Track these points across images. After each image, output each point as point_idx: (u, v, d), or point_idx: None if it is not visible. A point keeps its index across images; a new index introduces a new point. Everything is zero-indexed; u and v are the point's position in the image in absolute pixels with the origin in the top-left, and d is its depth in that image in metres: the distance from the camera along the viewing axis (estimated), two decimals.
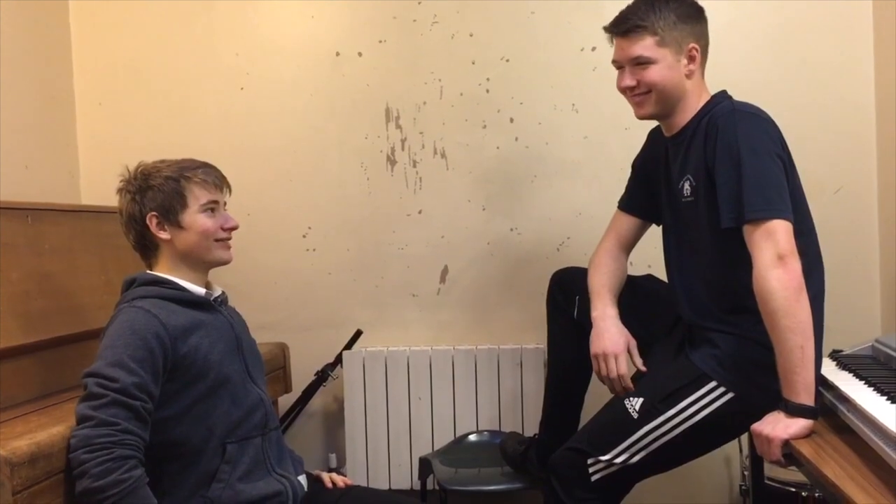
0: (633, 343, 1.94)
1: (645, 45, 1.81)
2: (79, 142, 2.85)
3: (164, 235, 1.71)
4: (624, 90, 1.88)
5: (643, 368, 1.90)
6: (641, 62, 1.82)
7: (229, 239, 1.78)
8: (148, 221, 1.70)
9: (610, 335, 1.92)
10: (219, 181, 1.77)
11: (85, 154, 2.85)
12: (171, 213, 1.70)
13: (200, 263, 1.76)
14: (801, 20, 2.62)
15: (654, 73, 1.82)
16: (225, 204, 1.80)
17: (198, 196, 1.72)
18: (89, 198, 2.80)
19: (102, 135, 2.84)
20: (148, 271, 1.75)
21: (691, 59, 1.84)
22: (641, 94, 1.85)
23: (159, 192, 1.70)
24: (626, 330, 1.95)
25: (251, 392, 1.74)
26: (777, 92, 2.51)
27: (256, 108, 2.81)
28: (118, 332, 1.60)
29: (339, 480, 1.87)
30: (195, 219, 1.71)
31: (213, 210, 1.74)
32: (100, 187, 2.72)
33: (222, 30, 2.81)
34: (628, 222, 2.11)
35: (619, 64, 1.88)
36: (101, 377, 1.52)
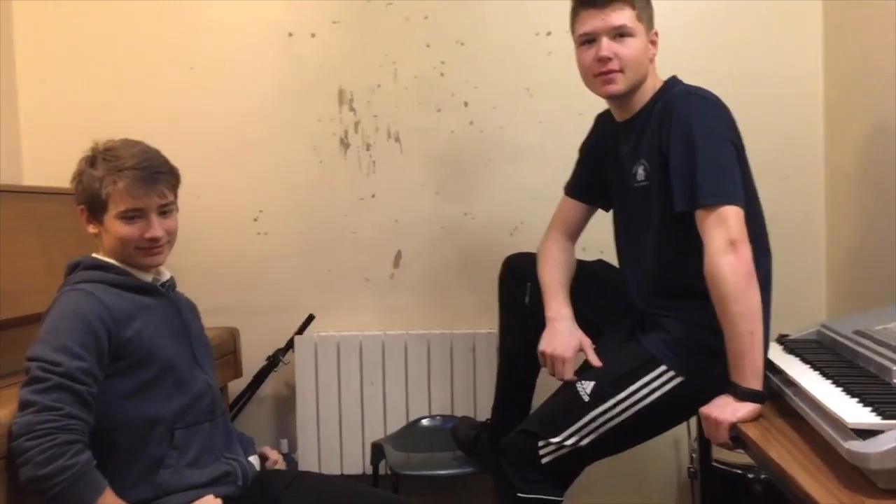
0: (588, 343, 1.91)
1: (626, 16, 1.78)
2: (21, 120, 2.75)
3: (92, 230, 1.69)
4: (595, 64, 1.81)
5: (598, 364, 1.88)
6: (623, 33, 1.78)
7: (155, 248, 1.68)
8: (80, 212, 1.69)
9: (561, 337, 1.90)
10: (148, 188, 1.64)
11: (27, 133, 2.74)
12: (95, 212, 1.67)
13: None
14: (751, 8, 2.65)
15: (631, 48, 1.79)
16: (167, 205, 1.68)
17: (117, 203, 1.63)
18: (32, 178, 2.70)
19: (45, 113, 2.74)
20: (93, 255, 1.70)
21: (653, 42, 1.85)
22: (614, 71, 1.80)
23: (86, 189, 1.65)
24: (579, 332, 1.92)
25: (198, 378, 1.72)
26: (726, 79, 2.51)
27: (207, 88, 2.74)
28: (61, 315, 1.56)
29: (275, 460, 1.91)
30: (113, 224, 1.65)
31: (133, 218, 1.64)
32: (43, 167, 2.65)
33: (172, 7, 2.73)
34: (575, 208, 2.11)
35: (590, 37, 1.81)
36: (44, 361, 1.49)
